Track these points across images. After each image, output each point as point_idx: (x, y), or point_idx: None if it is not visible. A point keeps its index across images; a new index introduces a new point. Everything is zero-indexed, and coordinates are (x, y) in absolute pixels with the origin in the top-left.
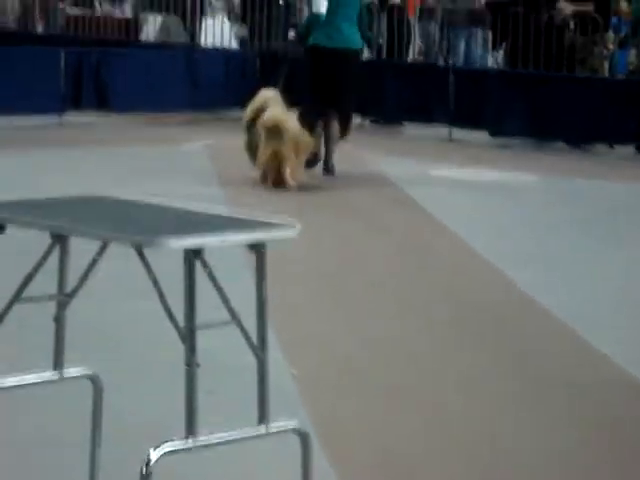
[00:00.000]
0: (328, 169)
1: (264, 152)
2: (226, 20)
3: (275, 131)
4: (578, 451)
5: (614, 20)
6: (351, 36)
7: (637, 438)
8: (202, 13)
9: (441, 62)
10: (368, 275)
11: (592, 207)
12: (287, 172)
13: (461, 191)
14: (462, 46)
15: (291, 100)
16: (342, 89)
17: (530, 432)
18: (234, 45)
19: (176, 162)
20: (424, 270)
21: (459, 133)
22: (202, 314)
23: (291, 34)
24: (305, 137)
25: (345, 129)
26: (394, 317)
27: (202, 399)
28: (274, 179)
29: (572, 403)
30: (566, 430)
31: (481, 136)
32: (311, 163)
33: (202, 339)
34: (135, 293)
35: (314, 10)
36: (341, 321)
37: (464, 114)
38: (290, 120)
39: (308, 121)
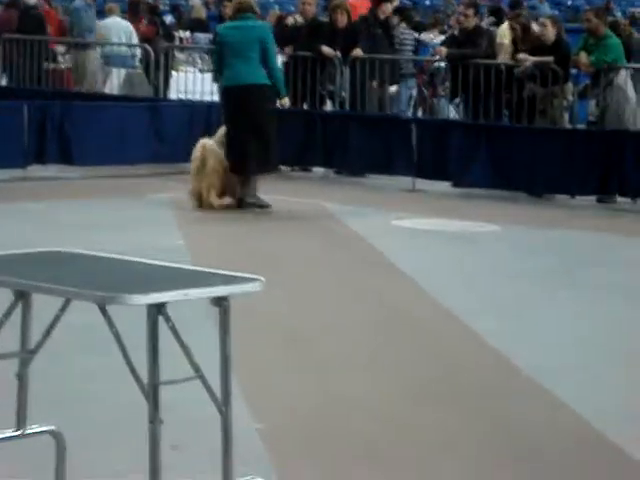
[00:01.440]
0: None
1: (195, 182)
2: (198, 73)
3: (202, 165)
4: None
5: (573, 71)
6: (249, 73)
7: None
8: (167, 67)
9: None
10: (333, 326)
11: (555, 256)
12: (211, 196)
13: (423, 240)
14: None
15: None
16: (254, 124)
17: None
18: (207, 98)
19: (140, 214)
20: (384, 321)
21: (422, 184)
22: (166, 365)
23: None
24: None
25: (265, 163)
26: (360, 370)
27: (167, 454)
28: (199, 203)
29: (544, 459)
30: None
31: (444, 187)
32: (240, 204)
33: (166, 391)
34: (98, 347)
35: None
36: (308, 375)
37: (427, 165)
38: (215, 154)
39: (236, 162)
